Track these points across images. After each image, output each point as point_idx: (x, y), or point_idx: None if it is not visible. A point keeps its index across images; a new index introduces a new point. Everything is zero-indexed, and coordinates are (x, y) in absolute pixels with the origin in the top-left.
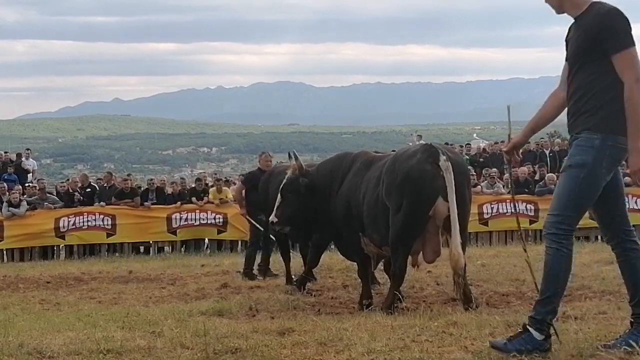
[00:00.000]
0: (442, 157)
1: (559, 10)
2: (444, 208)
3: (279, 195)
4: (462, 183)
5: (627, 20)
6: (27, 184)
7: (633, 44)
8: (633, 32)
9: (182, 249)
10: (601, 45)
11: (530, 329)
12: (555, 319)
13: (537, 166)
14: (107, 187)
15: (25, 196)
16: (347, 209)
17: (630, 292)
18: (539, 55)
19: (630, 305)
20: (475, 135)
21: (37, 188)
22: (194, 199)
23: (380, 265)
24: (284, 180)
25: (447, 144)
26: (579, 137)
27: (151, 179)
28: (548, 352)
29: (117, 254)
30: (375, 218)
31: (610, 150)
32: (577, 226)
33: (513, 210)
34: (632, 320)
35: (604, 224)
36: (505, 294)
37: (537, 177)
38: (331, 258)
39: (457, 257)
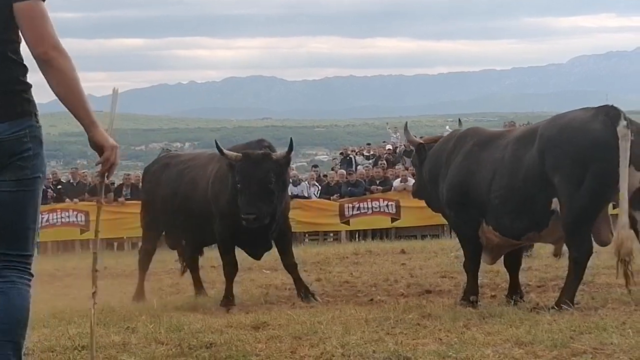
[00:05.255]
0: (623, 122)
1: None
2: (635, 179)
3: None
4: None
5: None
6: None
7: None
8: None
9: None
10: None
11: None
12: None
13: None
14: (74, 184)
15: None
16: (460, 195)
17: None
18: (510, 47)
19: None
20: (447, 127)
21: None
22: None
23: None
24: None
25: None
26: None
27: (128, 174)
28: None
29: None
30: (519, 200)
31: None
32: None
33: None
34: None
35: None
36: (479, 286)
37: None
38: (305, 252)
39: (623, 239)
